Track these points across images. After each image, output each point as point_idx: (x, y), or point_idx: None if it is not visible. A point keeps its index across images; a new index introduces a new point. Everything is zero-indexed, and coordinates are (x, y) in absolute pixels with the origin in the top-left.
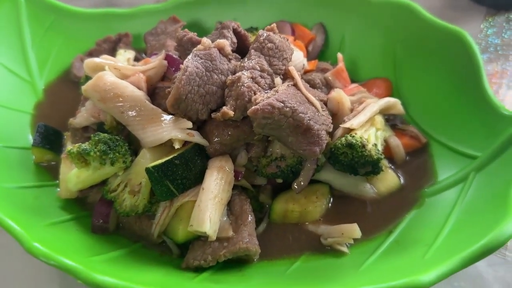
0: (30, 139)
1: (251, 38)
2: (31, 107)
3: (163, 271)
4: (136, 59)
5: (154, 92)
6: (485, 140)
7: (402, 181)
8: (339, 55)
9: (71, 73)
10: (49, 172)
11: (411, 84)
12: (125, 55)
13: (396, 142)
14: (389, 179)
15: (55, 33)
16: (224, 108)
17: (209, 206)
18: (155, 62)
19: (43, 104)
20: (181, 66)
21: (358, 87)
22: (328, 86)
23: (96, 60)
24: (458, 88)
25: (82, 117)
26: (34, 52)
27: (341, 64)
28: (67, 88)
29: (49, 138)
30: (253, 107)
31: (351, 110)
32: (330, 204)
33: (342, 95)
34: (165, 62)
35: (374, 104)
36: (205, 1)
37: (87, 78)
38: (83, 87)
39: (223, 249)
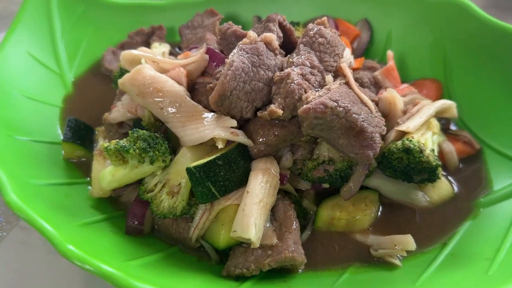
0: (59, 133)
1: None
2: (60, 100)
3: (203, 278)
4: (171, 54)
5: (194, 87)
6: None
7: (455, 189)
8: (389, 53)
9: (101, 66)
10: (79, 169)
11: (462, 86)
12: (160, 49)
13: (450, 148)
14: (443, 187)
15: (85, 24)
16: (272, 107)
17: (254, 211)
18: (196, 56)
19: (72, 97)
20: (226, 60)
21: (410, 88)
22: (377, 86)
23: (134, 52)
24: None
25: (118, 112)
26: (63, 43)
27: (391, 62)
28: (97, 81)
29: (80, 133)
30: (304, 106)
31: (404, 112)
32: (379, 213)
33: (395, 95)
34: (207, 56)
35: (430, 106)
36: None
37: (123, 71)
38: (120, 81)
39: (267, 258)
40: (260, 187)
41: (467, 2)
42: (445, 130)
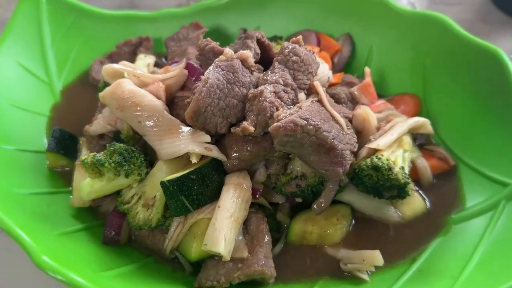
0: (45, 142)
1: (275, 48)
2: (48, 109)
3: None
4: (157, 64)
5: (173, 101)
6: None
7: (428, 205)
8: (367, 69)
9: (89, 75)
10: (63, 178)
11: (440, 102)
12: (145, 60)
13: (424, 164)
14: (415, 203)
15: (75, 33)
16: (245, 123)
17: (224, 225)
18: (176, 70)
19: (60, 107)
20: (201, 77)
21: (386, 104)
22: (354, 102)
23: (115, 66)
24: (491, 108)
25: (99, 124)
26: (53, 52)
27: (368, 79)
28: (85, 91)
29: (64, 143)
30: (275, 124)
31: (378, 129)
32: (351, 227)
33: (368, 113)
34: (186, 71)
35: (403, 124)
36: (228, 7)
37: (106, 84)
38: (101, 94)
39: (237, 271)
40: (232, 202)
41: (448, 20)
42: (422, 145)
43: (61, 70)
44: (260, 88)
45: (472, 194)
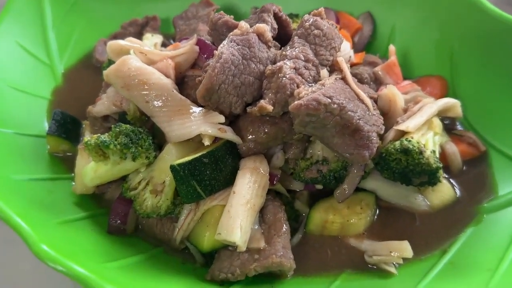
0: (45, 126)
1: (292, 25)
2: (49, 92)
3: (186, 282)
4: (164, 45)
5: (183, 80)
6: None
7: (458, 193)
8: (391, 48)
9: (93, 57)
10: (64, 164)
11: (469, 84)
12: (152, 40)
13: (453, 149)
14: (444, 190)
15: (77, 14)
16: (262, 102)
17: (240, 213)
18: (186, 47)
19: (61, 90)
20: (215, 52)
21: (412, 85)
22: (378, 82)
23: (121, 42)
24: None
25: (103, 105)
26: (54, 33)
27: (393, 58)
28: (88, 73)
29: (66, 126)
30: (295, 102)
31: (405, 111)
32: (375, 217)
33: (395, 93)
34: (197, 48)
35: (432, 105)
36: None
37: (110, 62)
38: (105, 72)
39: (253, 262)
40: (248, 187)
41: None
42: (449, 130)
43: (63, 51)
44: (279, 64)
45: (504, 181)
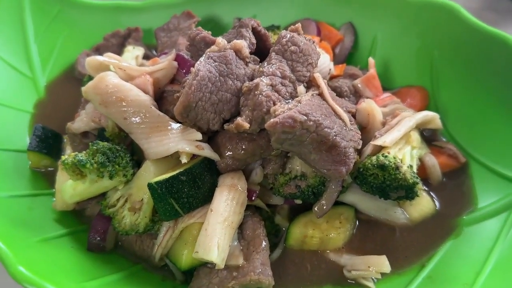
0: (27, 141)
1: (272, 38)
2: (31, 105)
3: None
4: (146, 57)
5: (162, 96)
6: None
7: (437, 206)
8: (371, 60)
9: (75, 69)
10: (45, 179)
11: (449, 95)
12: (133, 52)
13: (432, 162)
14: (424, 203)
15: (59, 25)
16: (239, 119)
17: (217, 231)
18: (164, 62)
19: (44, 103)
20: (192, 69)
21: (391, 97)
22: (357, 95)
23: (99, 58)
24: (504, 102)
25: (82, 121)
26: (36, 45)
27: (372, 71)
28: (70, 85)
29: (47, 141)
30: (271, 120)
31: (383, 124)
32: (354, 230)
33: (373, 107)
34: (175, 63)
35: (411, 118)
36: None
37: (90, 78)
38: (83, 89)
39: (232, 280)
40: (226, 205)
41: (458, 6)
42: (430, 141)
43: (45, 64)
44: (255, 80)
45: (484, 193)
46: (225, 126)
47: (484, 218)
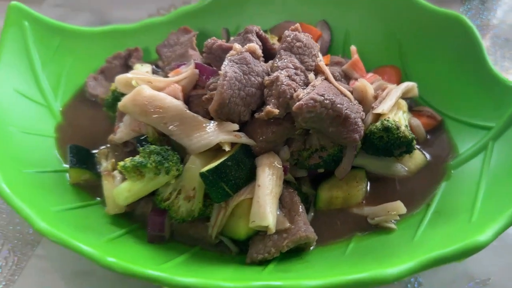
0: (60, 161)
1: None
2: (52, 130)
3: (231, 268)
4: (153, 72)
5: (188, 100)
6: (495, 111)
7: (428, 157)
8: (353, 48)
9: (86, 92)
10: (86, 191)
11: (418, 69)
12: (142, 69)
13: (416, 122)
14: (416, 157)
15: (63, 54)
16: (268, 107)
17: (267, 201)
18: (188, 72)
19: (63, 126)
20: (220, 72)
21: (375, 76)
22: (347, 78)
23: (128, 75)
24: (463, 67)
25: (122, 132)
26: (45, 75)
27: (356, 56)
28: (84, 107)
29: (83, 157)
30: (298, 103)
31: (375, 97)
32: (368, 187)
33: (365, 84)
34: (197, 71)
35: (397, 89)
36: (206, 10)
37: (115, 94)
38: (121, 104)
39: (284, 240)
40: (269, 180)
41: None
42: (410, 108)
43: (56, 91)
44: (274, 74)
45: (461, 142)
46: (256, 115)
47: (466, 160)
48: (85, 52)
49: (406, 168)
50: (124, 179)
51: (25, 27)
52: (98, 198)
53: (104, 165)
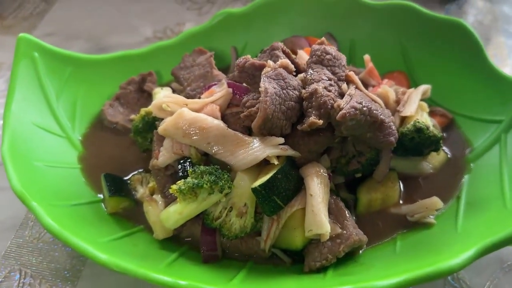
0: (91, 192)
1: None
2: (75, 161)
3: (293, 279)
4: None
5: (224, 119)
6: (502, 105)
7: (448, 154)
8: (367, 57)
9: (104, 120)
10: (126, 220)
11: (424, 72)
12: (163, 92)
13: (433, 122)
14: (439, 154)
15: (75, 83)
16: (311, 119)
17: (321, 209)
18: (222, 91)
19: (86, 156)
20: (260, 89)
21: (390, 82)
22: (365, 85)
23: (164, 99)
24: (467, 67)
25: (165, 156)
26: (60, 105)
27: (371, 64)
28: (103, 134)
29: (119, 185)
30: (341, 112)
31: (396, 102)
32: (402, 186)
33: (387, 90)
34: (230, 90)
35: (417, 92)
36: (213, 30)
37: (145, 119)
38: (161, 128)
39: (339, 246)
40: (319, 188)
41: (413, 4)
42: None
43: (73, 121)
44: (312, 87)
45: (474, 136)
46: (298, 127)
47: (483, 152)
48: (97, 79)
49: (431, 165)
50: (167, 203)
51: (36, 58)
52: (141, 226)
53: (141, 191)
